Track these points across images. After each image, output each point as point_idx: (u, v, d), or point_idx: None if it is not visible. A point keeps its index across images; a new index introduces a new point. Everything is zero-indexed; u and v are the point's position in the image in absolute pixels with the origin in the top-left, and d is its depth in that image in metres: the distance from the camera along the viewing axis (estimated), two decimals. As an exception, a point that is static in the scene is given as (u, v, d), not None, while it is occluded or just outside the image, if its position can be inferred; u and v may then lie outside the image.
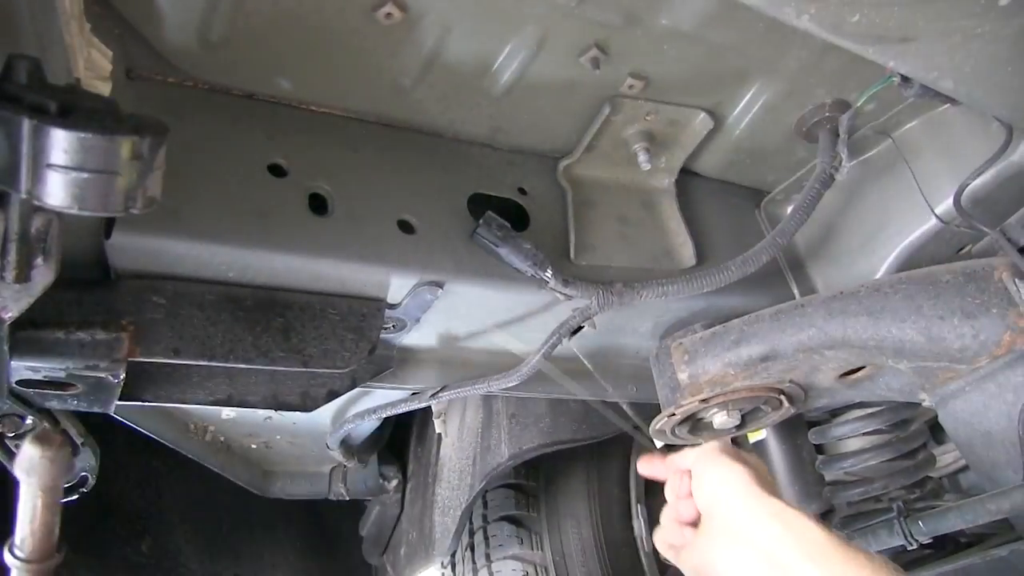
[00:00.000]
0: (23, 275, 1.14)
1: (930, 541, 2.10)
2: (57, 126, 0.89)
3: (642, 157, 1.96)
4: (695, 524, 1.52)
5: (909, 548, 2.09)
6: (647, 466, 1.69)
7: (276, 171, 1.70)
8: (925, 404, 1.92)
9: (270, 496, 2.94)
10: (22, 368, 1.50)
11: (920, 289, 1.73)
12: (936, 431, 2.52)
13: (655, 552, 2.92)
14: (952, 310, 1.68)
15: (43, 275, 1.17)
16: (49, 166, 0.90)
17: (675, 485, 1.59)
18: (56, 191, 0.92)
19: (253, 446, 2.73)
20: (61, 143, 0.90)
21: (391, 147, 1.87)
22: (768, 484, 1.44)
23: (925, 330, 1.70)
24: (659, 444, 1.95)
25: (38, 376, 1.54)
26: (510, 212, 1.88)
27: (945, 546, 2.37)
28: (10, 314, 1.23)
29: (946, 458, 2.83)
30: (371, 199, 1.76)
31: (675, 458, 1.61)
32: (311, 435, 2.68)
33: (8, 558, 0.97)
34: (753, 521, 1.37)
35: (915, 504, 2.25)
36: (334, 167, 1.77)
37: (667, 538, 1.58)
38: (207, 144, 1.65)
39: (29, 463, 0.90)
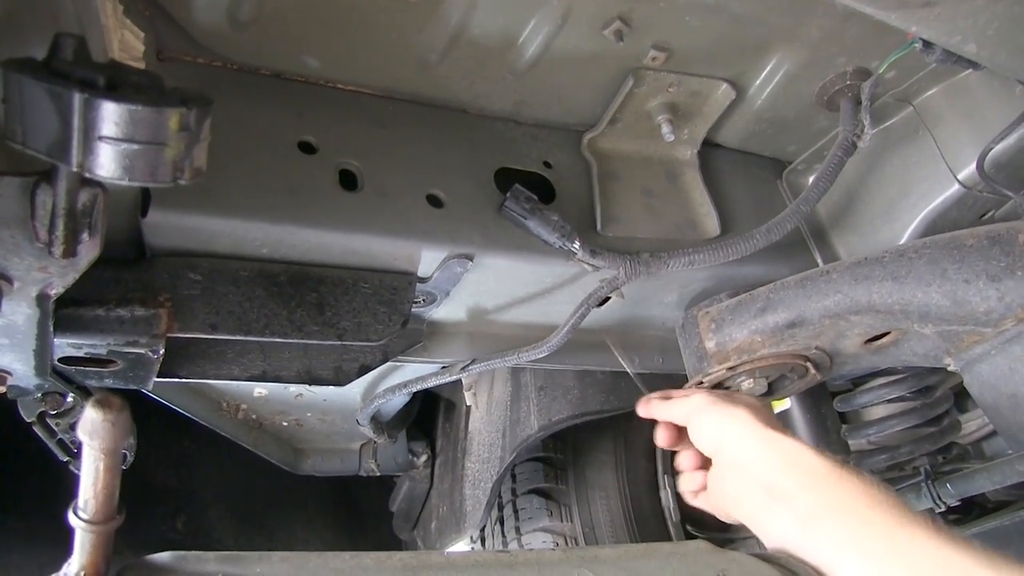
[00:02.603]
0: (70, 250, 1.17)
1: (957, 505, 2.11)
2: (107, 99, 0.92)
3: (665, 129, 1.97)
4: (704, 467, 1.69)
5: (937, 511, 2.11)
6: (645, 409, 1.87)
7: (306, 148, 1.73)
8: (950, 369, 1.92)
9: (301, 473, 2.97)
10: (64, 345, 1.53)
11: (944, 253, 1.74)
12: (959, 400, 2.53)
13: (683, 523, 2.94)
14: (977, 273, 1.69)
15: (89, 250, 1.20)
16: (100, 138, 0.92)
17: (664, 436, 1.80)
18: (107, 163, 0.94)
19: (284, 424, 2.76)
20: (112, 115, 0.92)
21: (418, 123, 1.90)
22: (766, 417, 1.59)
23: (950, 293, 1.70)
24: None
25: (80, 353, 1.57)
26: (536, 186, 1.89)
27: (971, 511, 2.38)
28: (56, 290, 1.26)
29: (970, 426, 2.83)
30: (400, 174, 1.79)
31: (667, 408, 1.80)
32: (341, 412, 2.70)
33: (73, 519, 1.00)
34: (754, 456, 1.52)
35: (942, 468, 2.26)
36: (363, 144, 1.79)
37: (686, 486, 1.76)
38: (238, 123, 1.68)
39: (91, 426, 0.93)
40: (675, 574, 1.32)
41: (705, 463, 1.74)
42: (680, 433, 1.81)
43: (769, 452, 1.50)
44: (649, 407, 1.87)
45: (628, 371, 2.12)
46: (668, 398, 1.84)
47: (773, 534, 1.45)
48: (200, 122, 1.00)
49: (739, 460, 1.56)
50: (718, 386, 1.99)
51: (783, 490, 1.43)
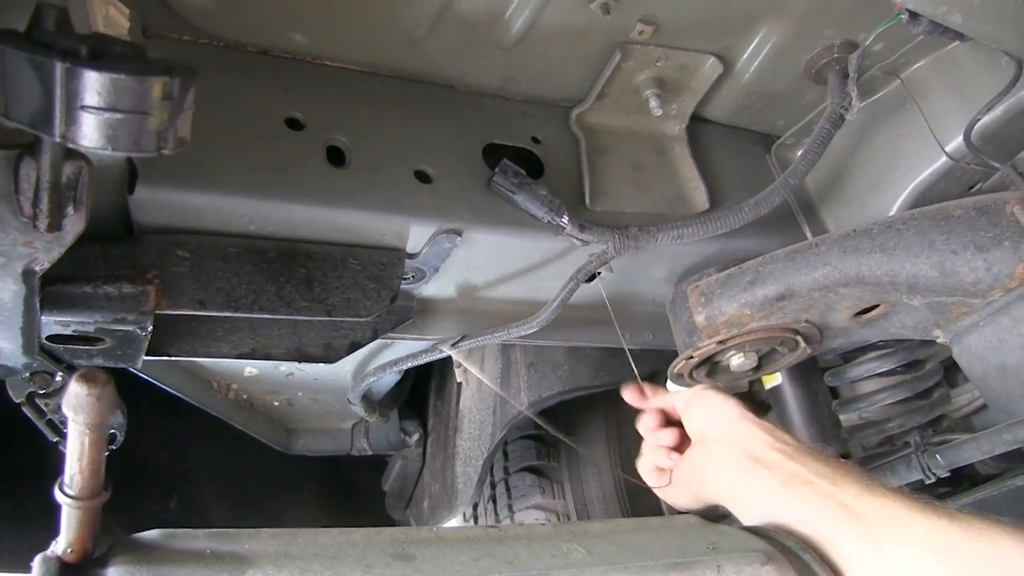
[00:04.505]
0: (55, 224, 1.17)
1: (948, 476, 2.12)
2: (90, 68, 0.91)
3: (653, 103, 1.97)
4: (677, 449, 1.73)
5: (927, 482, 2.12)
6: (631, 395, 1.88)
7: (294, 125, 1.73)
8: (939, 341, 1.93)
9: (293, 453, 2.97)
10: (52, 323, 1.53)
11: (932, 224, 1.74)
12: (949, 374, 2.53)
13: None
14: (965, 244, 1.69)
15: (74, 224, 1.19)
16: (83, 108, 0.92)
17: (652, 421, 1.80)
18: (90, 132, 0.94)
19: (276, 403, 2.76)
20: (94, 84, 0.91)
21: (406, 99, 1.89)
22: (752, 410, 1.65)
23: (939, 264, 1.71)
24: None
25: (68, 331, 1.57)
26: (524, 161, 1.90)
27: (963, 482, 2.39)
28: (42, 266, 1.26)
29: (960, 400, 2.84)
30: (388, 150, 1.79)
31: (667, 397, 1.82)
32: (333, 391, 2.71)
33: (59, 496, 0.99)
34: (742, 431, 1.57)
35: (932, 440, 2.27)
36: (350, 120, 1.79)
37: (654, 462, 1.76)
38: (225, 100, 1.68)
39: (76, 400, 0.92)
40: (666, 547, 1.32)
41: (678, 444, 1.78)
42: (665, 421, 1.83)
43: (759, 430, 1.56)
44: (640, 397, 1.90)
45: (624, 348, 2.11)
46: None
47: (750, 500, 1.51)
48: (184, 91, 1.00)
49: (730, 434, 1.60)
50: (708, 360, 2.00)
51: (769, 460, 1.49)
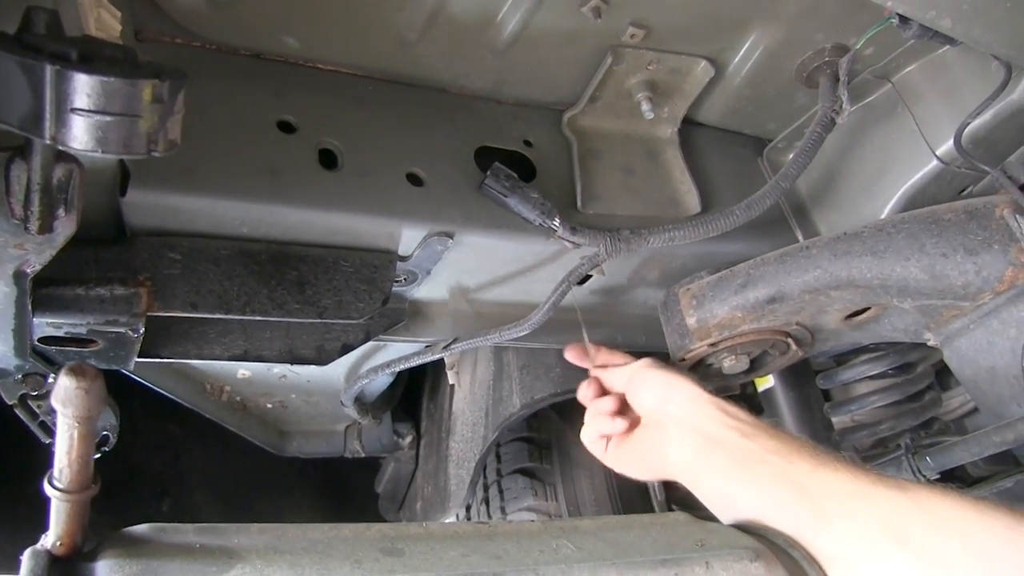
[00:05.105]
0: (46, 226, 1.18)
1: (938, 478, 2.12)
2: (80, 71, 0.92)
3: (645, 106, 1.98)
4: (619, 413, 1.76)
5: (917, 484, 2.12)
6: (574, 353, 1.94)
7: (286, 128, 1.73)
8: (930, 344, 1.94)
9: (287, 455, 2.97)
10: (44, 325, 1.54)
11: (923, 228, 1.75)
12: (941, 377, 2.54)
13: (668, 501, 2.95)
14: (955, 247, 1.70)
15: (65, 226, 1.20)
16: (73, 110, 0.93)
17: (590, 391, 1.85)
18: (80, 135, 0.94)
19: (269, 406, 2.76)
20: (84, 87, 0.92)
21: (398, 103, 1.90)
22: (704, 387, 1.68)
23: (928, 268, 1.72)
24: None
25: (59, 332, 1.58)
26: (516, 164, 1.90)
27: (953, 484, 2.40)
28: (33, 267, 1.26)
29: (952, 403, 2.85)
30: (380, 153, 1.79)
31: (607, 373, 1.85)
32: (325, 393, 2.71)
33: (48, 489, 1.00)
34: (699, 412, 1.60)
35: (923, 443, 2.27)
36: (342, 123, 1.79)
37: (598, 429, 1.80)
38: (217, 104, 1.68)
39: (64, 394, 0.93)
40: (654, 544, 1.33)
41: (624, 410, 1.79)
42: (602, 392, 1.85)
43: (713, 409, 1.59)
44: (582, 356, 1.91)
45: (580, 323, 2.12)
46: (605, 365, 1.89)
47: (710, 482, 1.55)
48: (173, 94, 1.00)
49: (685, 416, 1.62)
50: (700, 363, 2.00)
51: (724, 440, 1.53)
